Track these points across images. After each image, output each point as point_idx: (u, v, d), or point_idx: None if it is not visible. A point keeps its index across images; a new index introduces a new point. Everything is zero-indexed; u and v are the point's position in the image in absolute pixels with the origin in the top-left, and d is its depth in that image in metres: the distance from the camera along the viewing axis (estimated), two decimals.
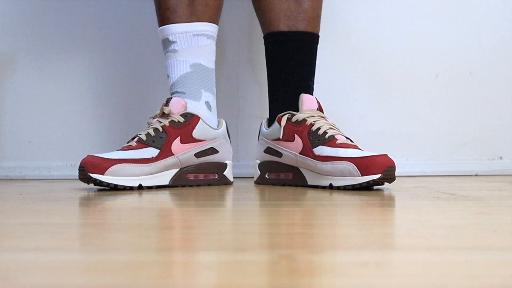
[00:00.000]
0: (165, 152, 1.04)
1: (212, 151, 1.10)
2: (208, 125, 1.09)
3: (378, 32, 1.42)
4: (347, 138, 1.03)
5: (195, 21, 1.11)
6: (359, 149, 1.01)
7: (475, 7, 1.42)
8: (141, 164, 1.01)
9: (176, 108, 1.08)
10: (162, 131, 1.05)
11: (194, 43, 1.11)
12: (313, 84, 1.13)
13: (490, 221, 0.66)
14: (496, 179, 1.28)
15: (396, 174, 1.40)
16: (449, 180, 1.25)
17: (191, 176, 1.08)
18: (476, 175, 1.40)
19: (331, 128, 1.04)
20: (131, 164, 1.00)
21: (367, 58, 1.41)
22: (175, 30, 1.10)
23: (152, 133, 1.04)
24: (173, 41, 1.10)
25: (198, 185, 1.08)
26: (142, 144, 1.03)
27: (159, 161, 1.02)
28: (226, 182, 1.11)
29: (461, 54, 1.42)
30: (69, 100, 1.41)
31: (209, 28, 1.13)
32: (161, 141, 1.04)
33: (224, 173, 1.11)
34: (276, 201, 0.86)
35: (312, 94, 1.11)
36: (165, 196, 0.92)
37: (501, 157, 1.43)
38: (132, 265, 0.45)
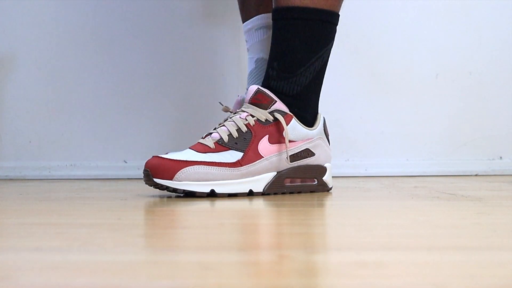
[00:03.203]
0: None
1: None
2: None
3: (378, 32, 1.42)
4: (221, 139, 0.89)
5: (261, 13, 1.05)
6: (199, 151, 0.88)
7: (475, 7, 1.42)
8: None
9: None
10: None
11: (256, 37, 1.05)
12: (276, 70, 0.94)
13: (490, 221, 0.66)
14: (496, 179, 1.28)
15: (396, 174, 1.41)
16: (449, 180, 1.25)
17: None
18: (476, 175, 1.40)
19: (220, 125, 0.92)
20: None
21: (367, 58, 1.41)
22: (244, 28, 1.08)
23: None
24: (246, 40, 1.08)
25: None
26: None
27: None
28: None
29: (461, 54, 1.42)
30: (69, 100, 1.41)
31: (268, 20, 1.03)
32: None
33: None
34: (276, 201, 0.86)
35: (270, 85, 0.94)
36: (165, 197, 0.92)
37: (501, 157, 1.43)
38: (132, 265, 0.45)
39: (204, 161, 0.87)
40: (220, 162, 0.88)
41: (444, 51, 1.42)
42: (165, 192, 0.89)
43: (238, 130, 0.91)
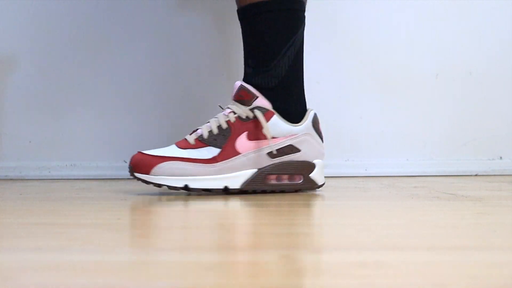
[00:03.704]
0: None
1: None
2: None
3: (378, 32, 1.42)
4: (210, 134, 0.92)
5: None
6: (180, 147, 0.92)
7: (475, 7, 1.42)
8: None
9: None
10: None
11: None
12: (252, 67, 0.96)
13: (490, 221, 0.66)
14: (496, 179, 1.28)
15: (396, 174, 1.41)
16: (449, 180, 1.25)
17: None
18: (476, 175, 1.40)
19: (207, 122, 0.95)
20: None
21: (367, 58, 1.41)
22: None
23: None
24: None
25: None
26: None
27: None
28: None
29: (461, 54, 1.42)
30: (69, 100, 1.41)
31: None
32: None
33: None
34: (276, 201, 0.86)
35: (248, 81, 0.96)
36: (165, 197, 0.92)
37: (501, 157, 1.43)
38: (132, 265, 0.45)
39: (179, 157, 0.90)
40: (196, 158, 0.91)
41: (444, 51, 1.42)
42: (165, 192, 0.89)
43: (219, 126, 0.93)
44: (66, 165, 1.40)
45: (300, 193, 0.96)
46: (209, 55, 1.40)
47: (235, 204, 0.83)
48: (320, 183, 0.98)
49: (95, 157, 1.40)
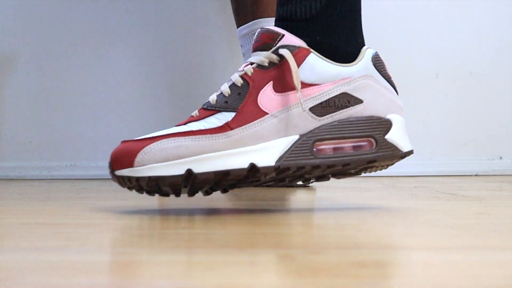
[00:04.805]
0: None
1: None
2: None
3: (378, 32, 1.42)
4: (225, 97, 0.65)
5: (256, 18, 1.03)
6: (180, 124, 0.65)
7: (475, 7, 1.42)
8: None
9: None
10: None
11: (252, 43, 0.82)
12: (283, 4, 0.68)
13: (490, 221, 0.66)
14: (496, 179, 1.28)
15: (396, 174, 1.41)
16: (449, 180, 1.25)
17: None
18: (476, 175, 1.40)
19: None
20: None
21: None
22: (239, 33, 1.07)
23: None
24: (241, 45, 1.07)
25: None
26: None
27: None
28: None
29: (461, 54, 1.42)
30: (69, 100, 1.41)
31: (269, 23, 0.83)
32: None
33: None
34: (275, 201, 0.86)
35: (279, 14, 0.69)
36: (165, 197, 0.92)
37: (501, 157, 1.43)
38: (133, 265, 0.45)
39: (175, 133, 0.63)
40: (199, 130, 0.63)
41: (444, 51, 1.42)
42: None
43: (232, 85, 0.66)
44: (66, 165, 1.40)
45: (299, 193, 0.95)
46: (208, 56, 1.40)
47: (235, 204, 0.83)
48: (405, 150, 0.67)
49: (95, 157, 1.39)
